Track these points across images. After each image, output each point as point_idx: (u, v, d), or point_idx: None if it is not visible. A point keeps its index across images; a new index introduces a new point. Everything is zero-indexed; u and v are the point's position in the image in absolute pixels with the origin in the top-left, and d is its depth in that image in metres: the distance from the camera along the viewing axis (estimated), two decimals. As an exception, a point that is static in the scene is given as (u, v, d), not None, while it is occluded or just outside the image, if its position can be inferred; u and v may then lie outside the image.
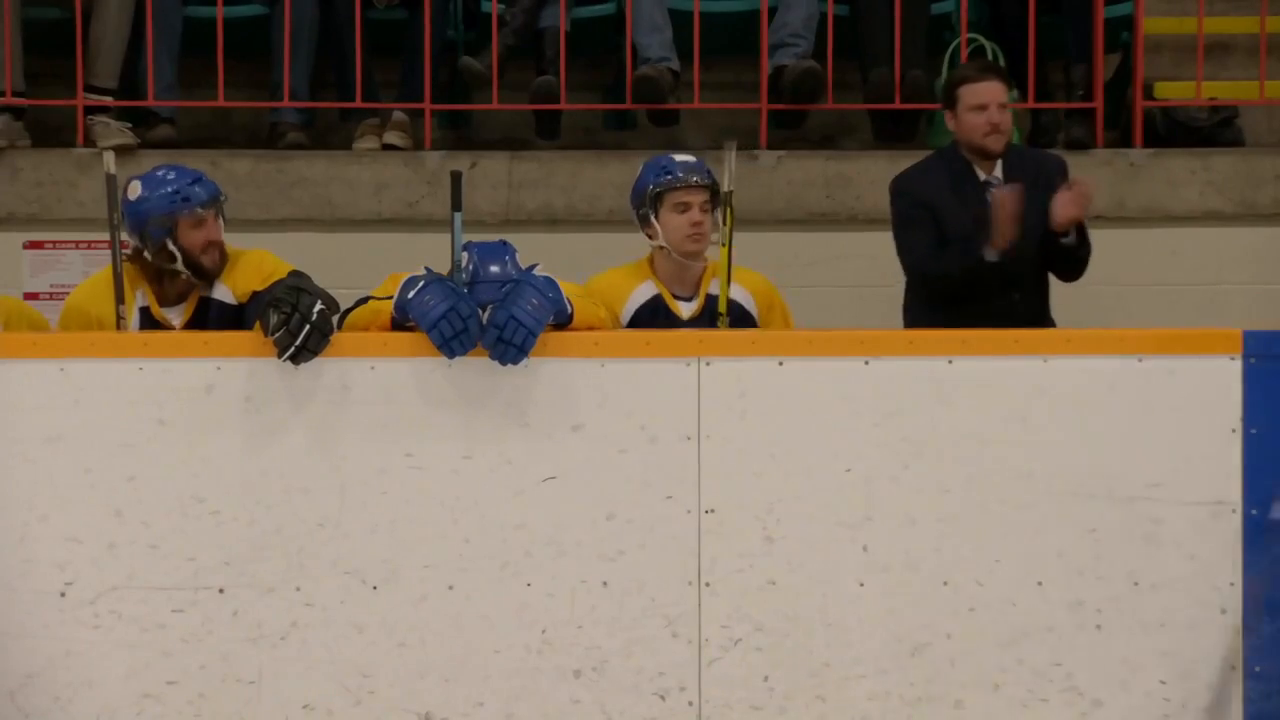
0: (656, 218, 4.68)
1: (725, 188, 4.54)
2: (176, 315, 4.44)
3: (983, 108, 4.98)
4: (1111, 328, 4.40)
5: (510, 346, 3.90)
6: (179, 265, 4.37)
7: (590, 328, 4.11)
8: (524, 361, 3.93)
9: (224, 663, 3.99)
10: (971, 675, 4.06)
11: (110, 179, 4.33)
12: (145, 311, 4.41)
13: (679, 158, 4.75)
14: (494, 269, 4.02)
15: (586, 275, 4.75)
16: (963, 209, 4.94)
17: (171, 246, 4.36)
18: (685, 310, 4.71)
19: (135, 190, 4.39)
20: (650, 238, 4.74)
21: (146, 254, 4.38)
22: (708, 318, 4.70)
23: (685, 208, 4.66)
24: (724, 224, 4.55)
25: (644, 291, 4.71)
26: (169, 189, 4.37)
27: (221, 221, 4.45)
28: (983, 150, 5.01)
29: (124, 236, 4.42)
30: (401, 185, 6.06)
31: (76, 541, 3.96)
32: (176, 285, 4.44)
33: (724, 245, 4.54)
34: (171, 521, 3.97)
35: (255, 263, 4.45)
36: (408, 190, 6.06)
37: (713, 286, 4.73)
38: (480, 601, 4.01)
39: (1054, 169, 5.11)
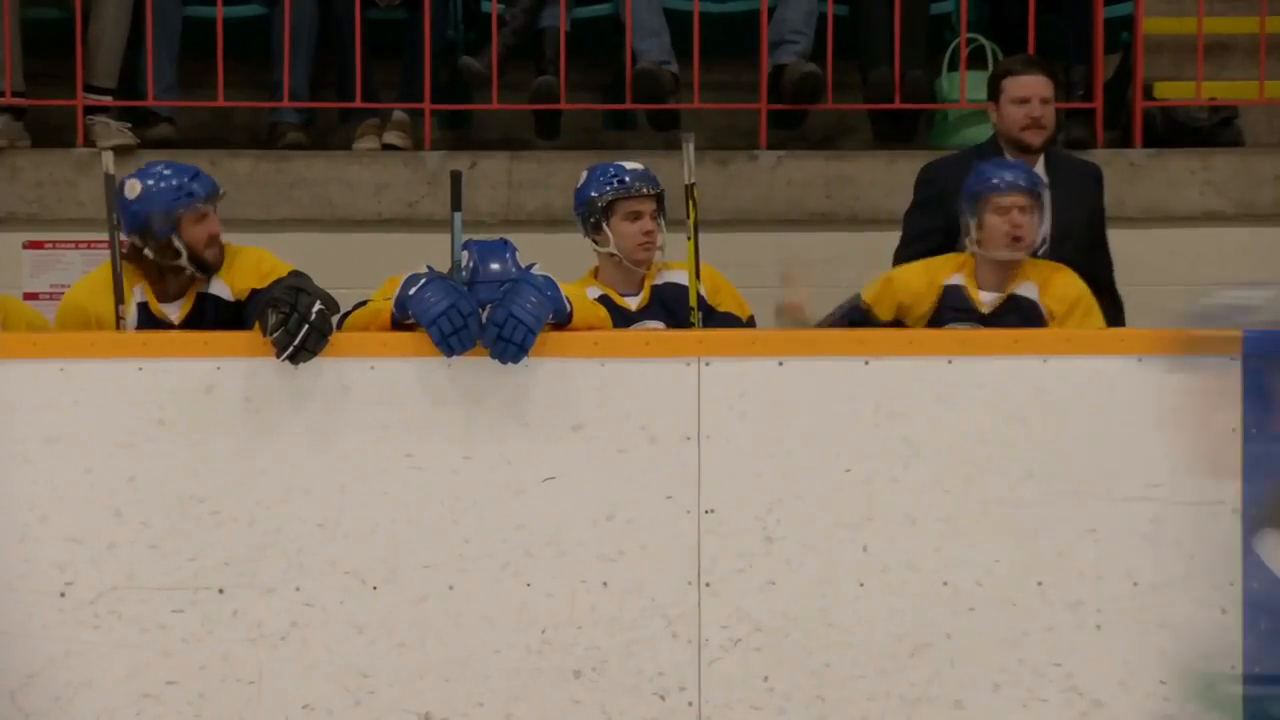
0: (607, 225, 4.67)
1: (687, 180, 4.51)
2: (174, 311, 4.43)
3: (1025, 101, 4.96)
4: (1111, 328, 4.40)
5: (510, 344, 3.91)
6: (183, 261, 4.36)
7: (590, 327, 4.11)
8: (524, 360, 3.94)
9: (224, 663, 3.99)
10: (971, 675, 4.06)
11: (109, 179, 4.32)
12: (144, 308, 4.41)
13: (629, 165, 4.72)
14: (494, 266, 4.03)
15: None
16: None
17: (177, 243, 4.35)
18: (632, 303, 4.71)
19: (135, 189, 4.35)
20: (598, 245, 4.71)
21: (148, 251, 4.37)
22: (657, 304, 4.68)
23: (637, 216, 4.65)
24: (688, 217, 4.52)
25: (589, 294, 4.70)
26: (172, 184, 4.34)
27: (217, 217, 4.44)
28: (1019, 144, 4.98)
29: (122, 236, 4.41)
30: (401, 185, 6.05)
31: (76, 542, 3.96)
32: (175, 281, 4.43)
33: (689, 238, 4.51)
34: (171, 522, 3.97)
35: (253, 260, 4.44)
36: (408, 190, 6.05)
37: (657, 278, 4.72)
38: (480, 602, 4.01)
39: (1091, 175, 5.12)
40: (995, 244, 4.58)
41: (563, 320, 4.02)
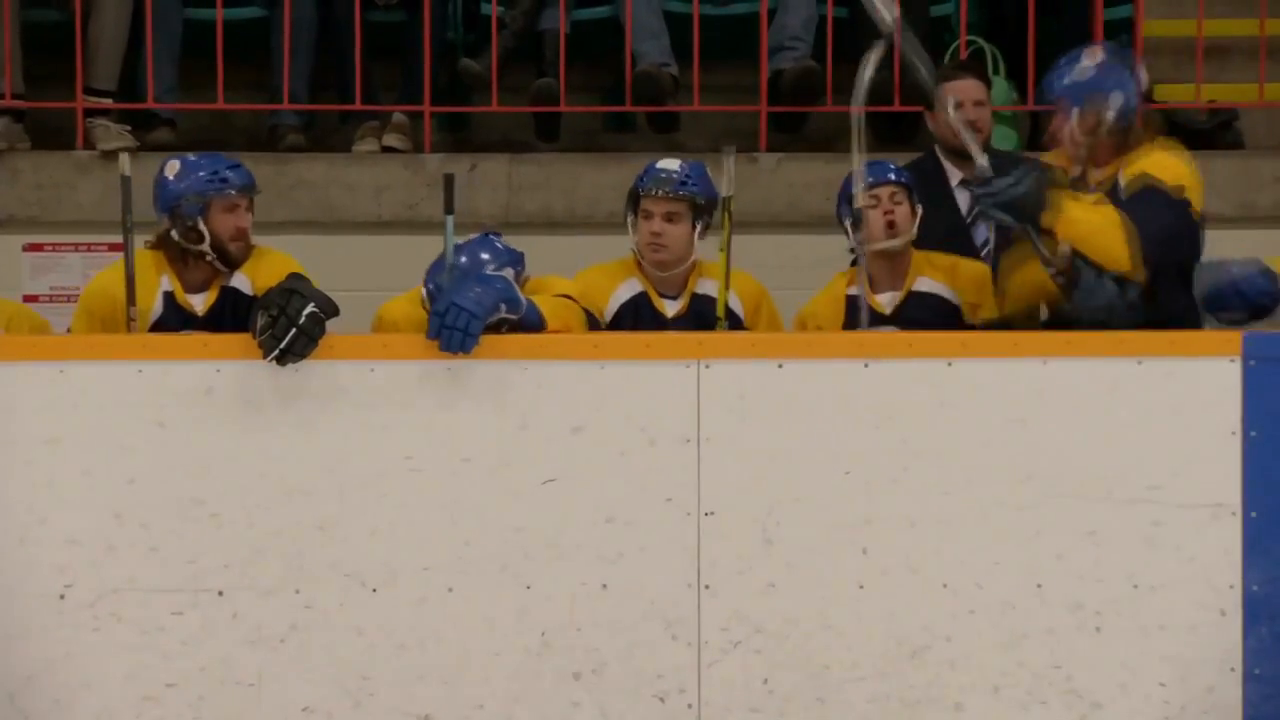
0: (631, 218, 4.69)
1: (725, 193, 4.50)
2: (200, 302, 4.47)
3: (956, 106, 4.93)
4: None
5: (455, 331, 3.90)
6: (205, 246, 4.41)
7: (566, 327, 4.10)
8: (474, 346, 3.92)
9: (223, 665, 3.99)
10: (971, 678, 4.06)
11: (125, 181, 4.33)
12: (169, 296, 4.45)
13: (661, 164, 4.72)
14: (462, 260, 4.08)
15: (585, 277, 4.76)
16: (929, 211, 4.88)
17: (202, 227, 4.40)
18: (670, 308, 4.70)
19: (174, 168, 4.47)
20: None
21: (174, 233, 4.42)
22: (693, 316, 4.68)
23: (648, 215, 4.66)
24: (722, 229, 4.53)
25: (627, 289, 4.70)
26: (207, 170, 4.47)
27: (250, 215, 4.49)
28: (957, 149, 4.97)
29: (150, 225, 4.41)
30: (401, 187, 6.06)
31: (76, 544, 3.96)
32: (200, 271, 4.47)
33: (722, 250, 4.52)
34: (171, 524, 3.97)
35: (280, 261, 4.50)
36: (407, 193, 6.05)
37: (699, 286, 4.72)
38: (480, 604, 4.01)
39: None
40: (874, 236, 4.63)
41: (530, 321, 4.01)
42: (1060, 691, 4.07)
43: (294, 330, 3.90)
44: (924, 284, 4.68)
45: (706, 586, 4.04)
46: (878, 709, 4.06)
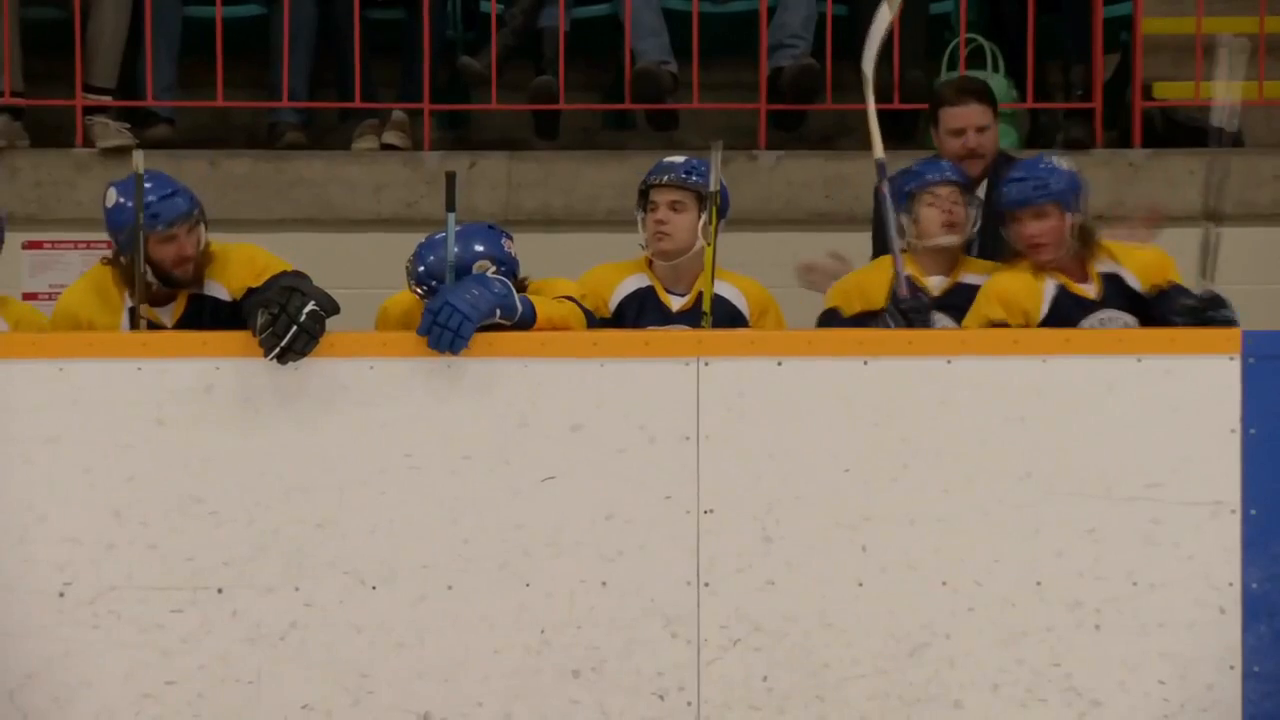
0: (640, 212, 4.71)
1: (712, 187, 4.50)
2: (167, 315, 4.40)
3: (960, 132, 4.91)
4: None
5: (445, 330, 3.90)
6: (150, 277, 4.30)
7: (556, 326, 4.09)
8: (463, 348, 3.92)
9: (223, 663, 3.99)
10: (970, 675, 4.06)
11: (138, 178, 4.29)
12: (134, 312, 4.38)
13: (669, 157, 4.74)
14: (455, 250, 4.06)
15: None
16: None
17: (141, 259, 4.30)
18: (676, 303, 4.71)
19: (111, 198, 4.32)
20: None
21: (123, 259, 4.34)
22: (698, 312, 4.69)
23: (654, 207, 4.67)
24: (710, 223, 4.53)
25: (633, 282, 4.70)
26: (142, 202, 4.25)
27: (201, 230, 4.33)
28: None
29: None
30: (400, 185, 6.06)
31: (75, 542, 3.96)
32: (158, 287, 4.40)
33: (708, 245, 4.52)
34: (170, 522, 3.97)
35: (246, 258, 4.40)
36: (406, 190, 6.06)
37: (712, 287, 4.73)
38: (479, 602, 4.01)
39: None
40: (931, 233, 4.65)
41: (523, 322, 4.00)
42: (1060, 689, 4.07)
43: (294, 328, 3.90)
44: (971, 278, 4.66)
45: (706, 584, 4.04)
46: (877, 707, 4.06)
